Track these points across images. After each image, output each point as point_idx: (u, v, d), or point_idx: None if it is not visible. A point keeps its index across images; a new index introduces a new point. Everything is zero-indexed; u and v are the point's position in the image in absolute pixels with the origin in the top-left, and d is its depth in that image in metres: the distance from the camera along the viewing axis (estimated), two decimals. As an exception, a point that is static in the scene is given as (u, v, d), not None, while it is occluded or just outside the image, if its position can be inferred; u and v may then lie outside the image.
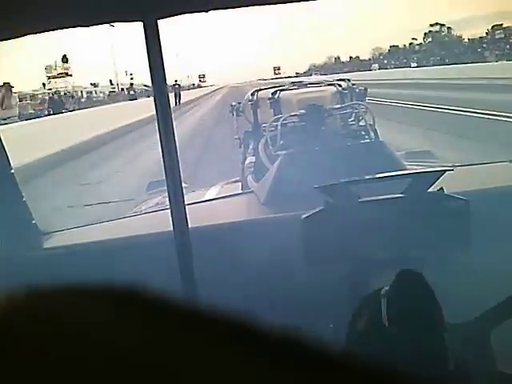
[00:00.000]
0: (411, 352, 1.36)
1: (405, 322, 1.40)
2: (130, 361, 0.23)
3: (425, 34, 79.79)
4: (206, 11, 1.53)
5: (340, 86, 2.74)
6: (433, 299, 1.40)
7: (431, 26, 78.23)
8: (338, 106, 2.62)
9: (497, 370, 1.44)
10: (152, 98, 1.63)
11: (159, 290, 0.27)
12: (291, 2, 1.58)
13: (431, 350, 1.37)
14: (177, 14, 1.56)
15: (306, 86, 2.84)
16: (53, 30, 1.48)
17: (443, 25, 76.92)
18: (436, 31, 77.74)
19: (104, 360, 0.23)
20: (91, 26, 1.53)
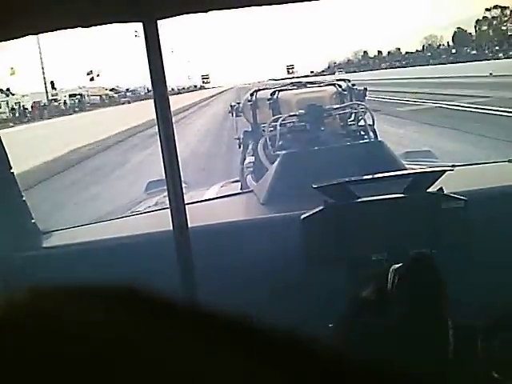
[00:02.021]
0: (412, 335, 1.35)
1: (410, 303, 1.39)
2: (130, 360, 0.23)
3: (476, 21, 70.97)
4: (206, 11, 1.53)
5: (340, 86, 2.75)
6: (441, 286, 1.39)
7: (487, 10, 69.43)
8: (338, 106, 2.62)
9: (491, 375, 1.44)
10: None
11: (159, 289, 0.27)
12: (291, 2, 1.58)
13: (431, 337, 1.37)
14: (176, 15, 1.56)
15: (305, 86, 2.84)
16: (52, 30, 1.48)
17: (506, 7, 66.48)
18: (494, 16, 68.80)
19: (104, 359, 0.23)
20: (91, 26, 1.53)
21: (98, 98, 61.73)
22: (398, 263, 1.47)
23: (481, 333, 1.53)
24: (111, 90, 69.67)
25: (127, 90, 72.90)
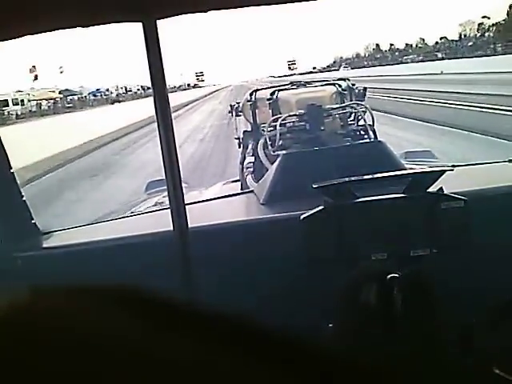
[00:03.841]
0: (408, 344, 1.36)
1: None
2: (131, 360, 0.23)
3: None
4: (205, 11, 1.53)
5: (339, 85, 2.75)
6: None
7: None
8: (337, 105, 2.62)
9: (493, 372, 1.44)
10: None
11: (159, 289, 0.27)
12: (291, 1, 1.58)
13: (428, 345, 1.38)
14: (176, 15, 1.56)
15: (304, 85, 2.84)
16: (52, 30, 1.49)
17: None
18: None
19: (105, 359, 0.23)
20: (90, 26, 1.53)
21: (35, 103, 47.00)
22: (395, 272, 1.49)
23: (481, 328, 1.54)
24: (63, 91, 55.75)
25: (98, 89, 62.02)
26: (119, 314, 0.25)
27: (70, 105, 51.41)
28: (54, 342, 0.23)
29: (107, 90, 66.57)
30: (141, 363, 0.23)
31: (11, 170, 1.88)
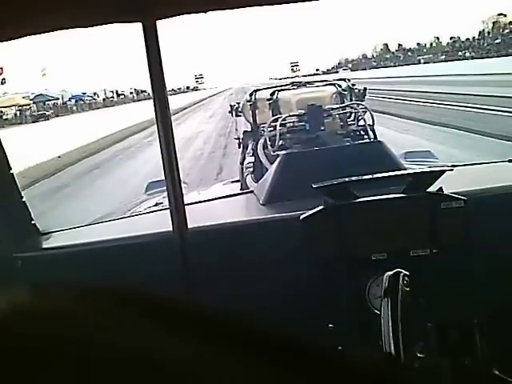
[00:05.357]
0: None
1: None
2: (130, 360, 0.23)
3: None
4: (205, 11, 1.53)
5: (339, 86, 2.75)
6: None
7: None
8: (338, 106, 2.63)
9: (492, 373, 1.44)
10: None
11: (159, 289, 0.27)
12: (291, 2, 1.58)
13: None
14: (176, 15, 1.56)
15: (305, 86, 2.85)
16: (52, 30, 1.49)
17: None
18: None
19: (104, 359, 0.23)
20: (90, 26, 1.53)
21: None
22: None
23: (480, 330, 1.54)
24: (37, 96, 51.23)
25: (84, 93, 57.17)
26: (119, 314, 0.25)
27: (44, 112, 46.24)
28: (54, 342, 0.23)
29: (94, 93, 62.34)
30: (141, 363, 0.23)
31: (11, 171, 1.88)
